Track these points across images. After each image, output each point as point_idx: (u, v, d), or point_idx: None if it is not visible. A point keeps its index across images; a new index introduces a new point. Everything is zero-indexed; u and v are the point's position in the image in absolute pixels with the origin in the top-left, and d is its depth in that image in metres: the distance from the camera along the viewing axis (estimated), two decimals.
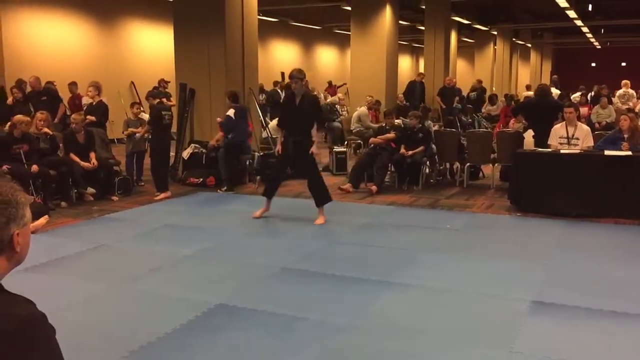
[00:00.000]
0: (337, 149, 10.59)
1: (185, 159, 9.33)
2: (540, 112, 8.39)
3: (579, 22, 21.32)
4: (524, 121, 9.28)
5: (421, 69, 24.55)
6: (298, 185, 9.16)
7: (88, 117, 8.75)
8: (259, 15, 10.38)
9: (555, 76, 22.56)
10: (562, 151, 7.28)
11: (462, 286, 4.61)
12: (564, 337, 3.74)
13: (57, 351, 1.43)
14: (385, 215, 7.17)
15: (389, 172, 9.11)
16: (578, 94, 15.71)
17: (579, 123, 7.76)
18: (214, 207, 7.44)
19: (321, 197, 6.75)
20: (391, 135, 8.93)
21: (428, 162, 9.06)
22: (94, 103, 9.14)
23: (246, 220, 6.84)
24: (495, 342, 3.64)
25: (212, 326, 3.88)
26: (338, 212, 7.40)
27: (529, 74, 32.97)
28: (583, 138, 7.43)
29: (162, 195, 7.99)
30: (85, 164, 7.72)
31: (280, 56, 22.40)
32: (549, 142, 7.60)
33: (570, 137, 7.46)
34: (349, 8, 15.01)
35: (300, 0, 15.75)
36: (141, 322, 3.99)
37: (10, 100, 9.77)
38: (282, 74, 19.58)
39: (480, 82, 19.88)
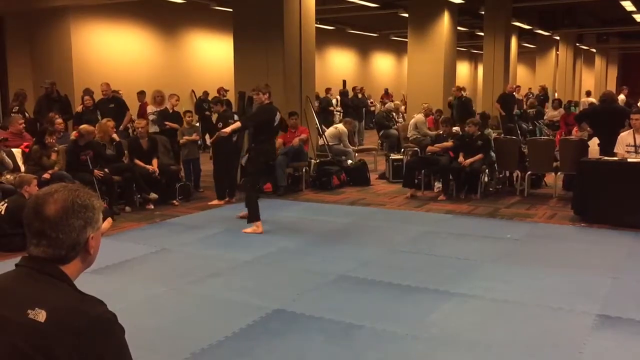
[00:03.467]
0: (393, 156, 10.54)
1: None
2: (606, 119, 8.11)
3: None
4: (588, 129, 8.99)
5: (479, 76, 24.18)
6: (354, 192, 9.17)
7: (170, 124, 9.15)
8: (316, 23, 10.46)
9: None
10: (629, 160, 7.01)
11: (525, 298, 4.49)
12: (631, 353, 3.59)
13: (127, 350, 1.48)
14: (444, 224, 7.08)
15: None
16: None
17: None
18: (272, 213, 7.51)
19: (247, 210, 6.65)
20: (449, 143, 8.82)
21: (487, 170, 8.90)
22: (171, 111, 9.51)
23: (304, 226, 6.88)
24: (560, 357, 3.54)
25: (270, 331, 3.92)
26: (395, 219, 7.36)
27: (593, 80, 31.92)
28: None
29: (215, 202, 8.16)
30: (150, 167, 7.99)
31: (337, 64, 22.51)
32: (615, 151, 7.33)
33: (638, 145, 7.17)
34: (407, 15, 14.93)
35: (358, 8, 15.76)
36: (201, 325, 4.07)
37: (80, 108, 10.17)
38: (344, 81, 19.72)
39: (543, 88, 19.38)
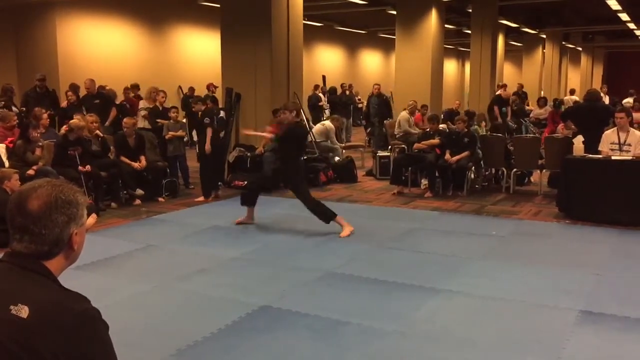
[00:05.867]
0: (380, 153, 10.56)
1: (231, 162, 9.46)
2: (591, 117, 8.18)
3: (632, 25, 20.72)
4: (573, 127, 9.08)
5: (467, 74, 24.28)
6: (341, 189, 9.18)
7: (162, 121, 9.25)
8: (304, 20, 10.45)
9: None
10: (613, 157, 7.08)
11: (509, 294, 4.53)
12: (613, 348, 3.64)
13: (110, 346, 1.48)
14: (430, 221, 7.11)
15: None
16: (630, 99, 15.24)
17: (632, 129, 7.51)
18: (260, 209, 7.50)
19: (320, 214, 6.41)
20: (435, 140, 8.86)
21: (473, 168, 8.95)
22: (161, 108, 9.53)
23: (291, 223, 6.88)
24: (543, 352, 3.57)
25: (256, 328, 3.92)
26: (382, 216, 7.39)
27: (579, 79, 32.18)
28: (635, 144, 7.20)
29: (200, 199, 8.16)
30: (135, 164, 7.95)
31: (325, 60, 22.49)
32: (599, 148, 7.40)
33: (622, 143, 7.24)
34: (394, 12, 14.95)
35: (346, 5, 15.76)
36: (188, 322, 4.06)
37: (64, 103, 10.09)
38: (323, 77, 19.67)
39: (520, 86, 19.46)
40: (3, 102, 9.46)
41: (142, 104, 9.90)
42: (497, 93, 15.46)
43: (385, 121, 13.42)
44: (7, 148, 7.27)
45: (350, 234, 6.27)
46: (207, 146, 8.11)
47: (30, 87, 10.27)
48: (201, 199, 8.16)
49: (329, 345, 3.67)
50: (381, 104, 13.60)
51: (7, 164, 7.04)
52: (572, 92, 20.32)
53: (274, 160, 6.82)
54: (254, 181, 7.36)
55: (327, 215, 6.32)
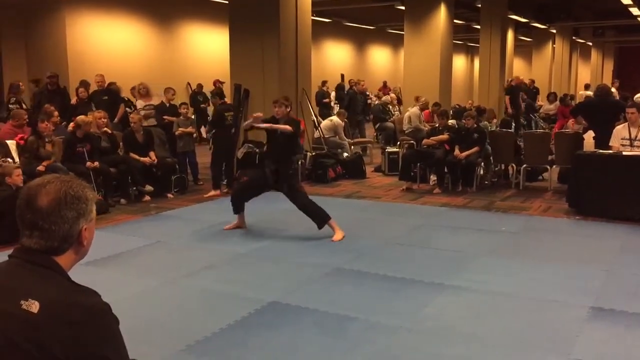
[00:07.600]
0: (389, 149, 10.54)
1: (239, 158, 9.47)
2: (601, 112, 8.13)
3: None
4: (583, 122, 9.02)
5: (476, 69, 24.17)
6: (350, 185, 9.17)
7: (169, 117, 9.28)
8: (312, 15, 10.44)
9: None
10: (624, 153, 7.03)
11: (519, 291, 4.51)
12: (624, 345, 3.61)
13: (121, 340, 1.49)
14: (439, 217, 7.09)
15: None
16: None
17: None
18: (268, 206, 7.52)
19: (315, 216, 6.07)
20: (444, 136, 8.82)
21: (483, 163, 8.91)
22: (168, 105, 9.55)
23: (299, 219, 6.87)
24: (553, 349, 3.55)
25: (265, 323, 3.93)
26: (391, 212, 7.38)
27: (589, 74, 31.95)
28: None
29: (211, 193, 8.20)
30: (145, 159, 7.99)
31: (334, 56, 22.46)
32: (610, 144, 7.35)
33: (633, 138, 7.19)
34: (403, 7, 14.89)
35: (354, 1, 15.73)
36: (196, 318, 4.08)
37: (74, 100, 10.12)
38: (342, 75, 19.68)
39: (532, 82, 19.33)
40: (14, 98, 9.52)
41: (139, 103, 9.66)
42: (507, 84, 15.39)
43: (367, 118, 13.39)
44: (18, 145, 7.31)
45: (342, 238, 5.99)
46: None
47: (43, 86, 10.31)
48: (211, 193, 8.20)
49: (337, 341, 3.67)
50: (361, 100, 13.62)
51: (17, 160, 7.09)
52: (587, 87, 20.13)
53: (267, 162, 6.31)
54: (240, 186, 6.84)
55: (321, 218, 6.02)
